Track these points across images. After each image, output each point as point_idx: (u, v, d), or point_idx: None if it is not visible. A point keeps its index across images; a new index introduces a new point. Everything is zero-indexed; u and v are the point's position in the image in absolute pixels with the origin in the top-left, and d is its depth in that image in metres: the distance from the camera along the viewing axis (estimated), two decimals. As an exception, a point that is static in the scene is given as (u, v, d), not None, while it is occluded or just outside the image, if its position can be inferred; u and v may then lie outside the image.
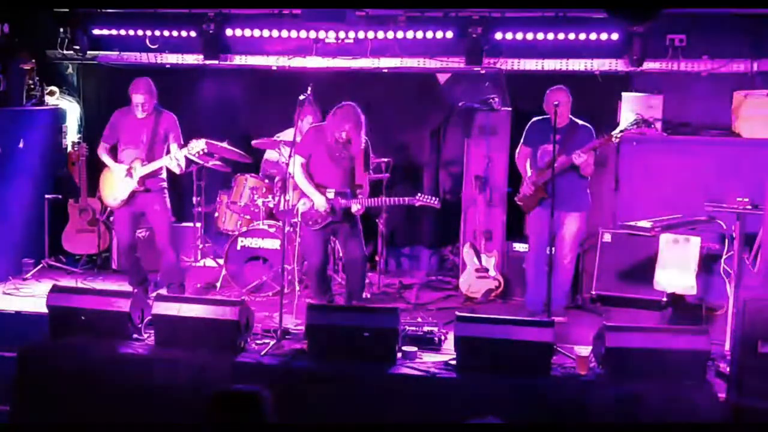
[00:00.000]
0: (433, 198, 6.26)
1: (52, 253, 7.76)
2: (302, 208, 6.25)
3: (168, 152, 6.63)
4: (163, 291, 6.70)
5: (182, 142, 6.68)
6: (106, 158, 6.73)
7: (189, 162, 6.85)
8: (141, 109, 6.54)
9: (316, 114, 7.15)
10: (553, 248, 6.31)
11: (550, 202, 6.11)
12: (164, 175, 6.71)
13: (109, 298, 5.69)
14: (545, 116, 6.37)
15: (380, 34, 7.63)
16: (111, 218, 7.74)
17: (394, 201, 6.32)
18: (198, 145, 6.51)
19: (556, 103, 6.02)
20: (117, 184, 6.67)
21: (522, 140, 6.66)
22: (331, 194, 6.20)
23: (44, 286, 6.70)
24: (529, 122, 6.62)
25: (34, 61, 7.94)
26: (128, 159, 6.63)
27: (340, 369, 5.20)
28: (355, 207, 6.18)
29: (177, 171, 6.67)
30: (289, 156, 6.01)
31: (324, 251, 6.43)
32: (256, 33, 7.84)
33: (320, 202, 6.19)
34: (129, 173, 6.59)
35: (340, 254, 7.27)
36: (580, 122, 6.43)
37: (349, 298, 6.41)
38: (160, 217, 6.73)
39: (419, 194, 6.25)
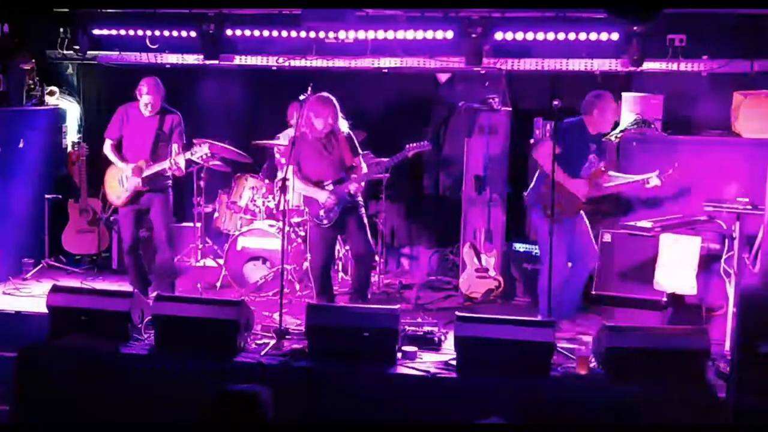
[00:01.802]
0: (423, 142, 6.27)
1: (52, 253, 7.76)
2: (313, 211, 6.26)
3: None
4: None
5: (184, 143, 6.68)
6: (112, 156, 6.69)
7: (189, 162, 6.85)
8: (148, 109, 6.53)
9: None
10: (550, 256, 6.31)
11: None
12: (170, 173, 6.69)
13: (109, 298, 5.69)
14: (576, 119, 6.15)
15: (380, 34, 7.62)
16: (112, 218, 7.75)
17: (388, 163, 6.32)
18: (201, 149, 6.50)
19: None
20: (121, 183, 6.66)
21: (557, 141, 5.90)
22: (329, 186, 6.22)
23: (44, 286, 6.70)
24: (566, 123, 6.11)
25: (34, 61, 7.94)
26: (132, 157, 6.62)
27: (340, 369, 5.20)
28: (353, 186, 6.21)
29: (177, 174, 6.66)
30: (287, 164, 6.03)
31: (330, 250, 6.44)
32: (256, 33, 7.83)
33: (324, 198, 6.21)
34: (136, 173, 6.58)
35: (341, 254, 7.28)
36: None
37: (355, 295, 6.41)
38: (161, 217, 6.72)
39: (408, 144, 6.26)
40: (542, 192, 6.07)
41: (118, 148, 6.72)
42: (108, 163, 6.78)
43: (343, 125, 6.28)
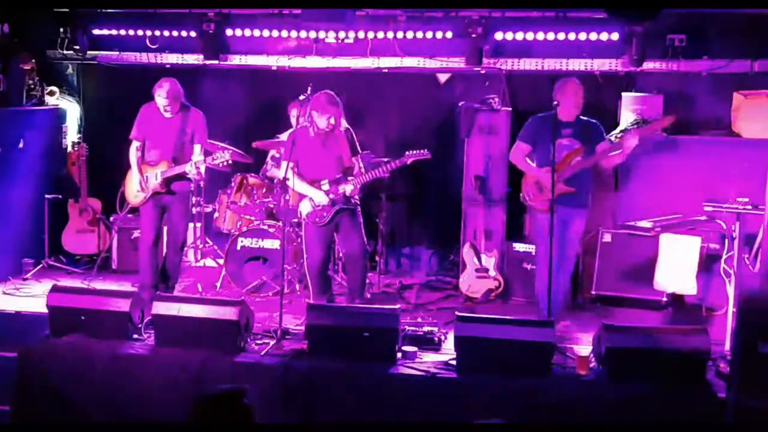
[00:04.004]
0: (423, 150, 6.25)
1: (52, 253, 7.75)
2: (306, 210, 6.27)
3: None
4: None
5: (207, 143, 6.67)
6: (134, 162, 6.61)
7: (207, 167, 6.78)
8: (165, 111, 6.49)
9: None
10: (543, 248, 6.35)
11: (563, 199, 6.01)
12: (190, 176, 6.62)
13: (109, 298, 5.68)
14: (548, 113, 6.18)
15: (380, 34, 7.64)
16: (112, 218, 7.75)
17: (386, 168, 6.30)
18: (223, 156, 6.47)
19: (555, 103, 5.99)
20: (141, 184, 6.62)
21: (519, 137, 6.43)
22: (325, 186, 6.23)
23: (44, 286, 6.70)
24: (530, 118, 6.40)
25: (34, 61, 7.94)
26: (154, 158, 6.59)
27: (340, 369, 5.20)
28: (350, 188, 6.21)
29: (196, 177, 6.61)
30: (287, 162, 6.03)
31: (326, 249, 6.43)
32: (256, 33, 7.84)
33: (320, 198, 6.22)
34: (142, 187, 6.56)
35: (340, 254, 7.28)
36: (585, 119, 6.30)
37: (351, 295, 6.41)
38: (178, 221, 6.70)
39: (408, 151, 6.25)
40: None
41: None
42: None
43: (343, 123, 6.28)
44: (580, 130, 6.19)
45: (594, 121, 6.34)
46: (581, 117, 6.27)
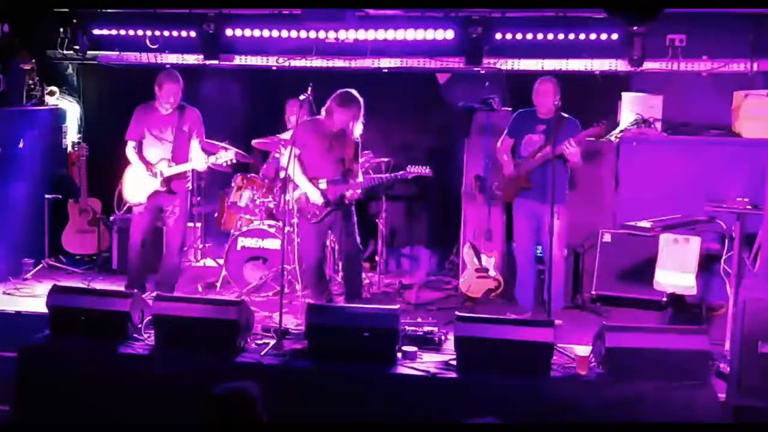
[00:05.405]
0: (424, 167, 6.30)
1: (52, 253, 7.76)
2: (299, 201, 6.27)
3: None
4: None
5: (205, 140, 6.68)
6: (135, 158, 6.62)
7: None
8: (170, 102, 6.49)
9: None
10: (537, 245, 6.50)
11: (530, 193, 6.25)
12: (189, 176, 6.66)
13: (109, 298, 5.69)
14: (531, 108, 6.43)
15: (380, 34, 7.64)
16: (111, 218, 7.75)
17: (386, 178, 6.34)
18: (227, 155, 6.49)
19: (556, 103, 6.01)
20: (141, 183, 6.63)
21: (506, 131, 6.63)
22: (323, 185, 6.24)
23: (44, 286, 6.70)
24: (515, 113, 6.66)
25: (34, 61, 7.94)
26: (153, 157, 6.59)
27: (340, 369, 5.20)
28: (348, 193, 6.22)
29: (199, 168, 6.66)
30: (289, 155, 6.03)
31: (321, 247, 6.46)
32: (256, 33, 7.85)
33: (315, 196, 6.22)
34: (154, 173, 6.56)
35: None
36: (566, 115, 6.35)
37: (349, 295, 6.42)
38: (177, 220, 6.71)
39: (409, 166, 6.31)
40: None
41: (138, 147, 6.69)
42: (126, 162, 6.72)
43: (358, 130, 6.27)
44: (552, 127, 6.22)
45: (570, 117, 6.35)
46: (561, 114, 6.27)
